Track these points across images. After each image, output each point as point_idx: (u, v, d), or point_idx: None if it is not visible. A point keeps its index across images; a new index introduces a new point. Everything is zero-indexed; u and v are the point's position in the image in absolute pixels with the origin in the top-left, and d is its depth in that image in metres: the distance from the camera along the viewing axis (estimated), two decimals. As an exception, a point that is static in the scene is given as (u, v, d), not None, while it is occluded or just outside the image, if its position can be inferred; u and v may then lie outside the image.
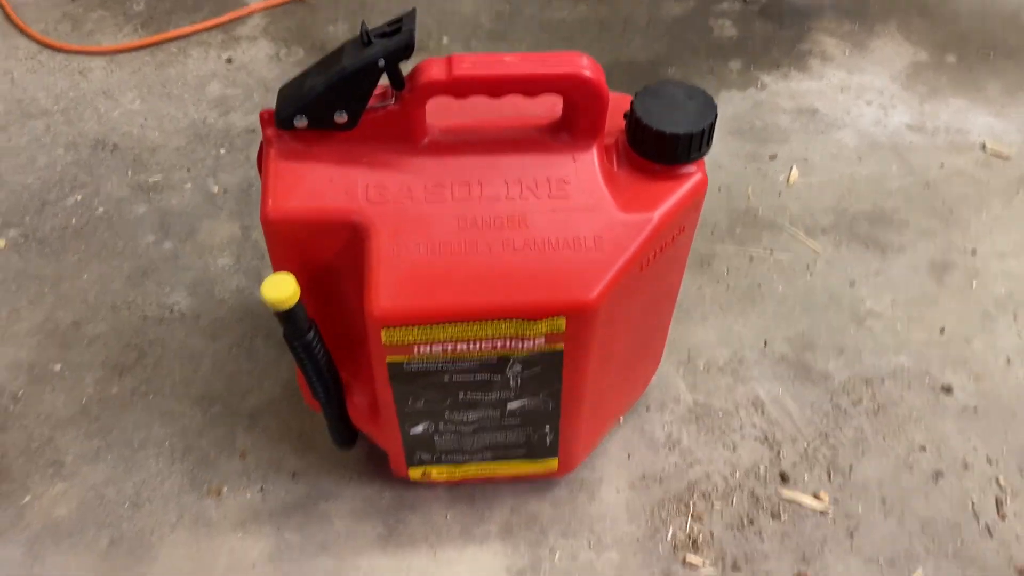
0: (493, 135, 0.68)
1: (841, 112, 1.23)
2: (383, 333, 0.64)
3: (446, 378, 0.70)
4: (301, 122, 0.64)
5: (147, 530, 0.82)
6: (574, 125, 0.66)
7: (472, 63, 0.62)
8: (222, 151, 1.16)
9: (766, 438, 0.90)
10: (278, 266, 0.69)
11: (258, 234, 1.06)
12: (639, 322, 0.76)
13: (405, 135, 0.66)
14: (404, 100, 0.64)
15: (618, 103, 0.70)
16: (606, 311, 0.65)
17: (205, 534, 0.82)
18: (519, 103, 0.65)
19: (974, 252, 1.06)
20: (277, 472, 0.86)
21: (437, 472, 0.81)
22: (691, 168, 0.69)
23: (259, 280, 0.99)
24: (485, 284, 0.63)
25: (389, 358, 0.67)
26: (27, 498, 0.84)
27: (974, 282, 1.03)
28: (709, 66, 1.31)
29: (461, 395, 0.72)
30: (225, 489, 0.85)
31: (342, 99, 0.63)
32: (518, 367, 0.69)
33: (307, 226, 0.65)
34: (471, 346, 0.66)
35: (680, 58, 1.32)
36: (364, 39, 0.60)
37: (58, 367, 0.94)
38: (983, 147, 1.19)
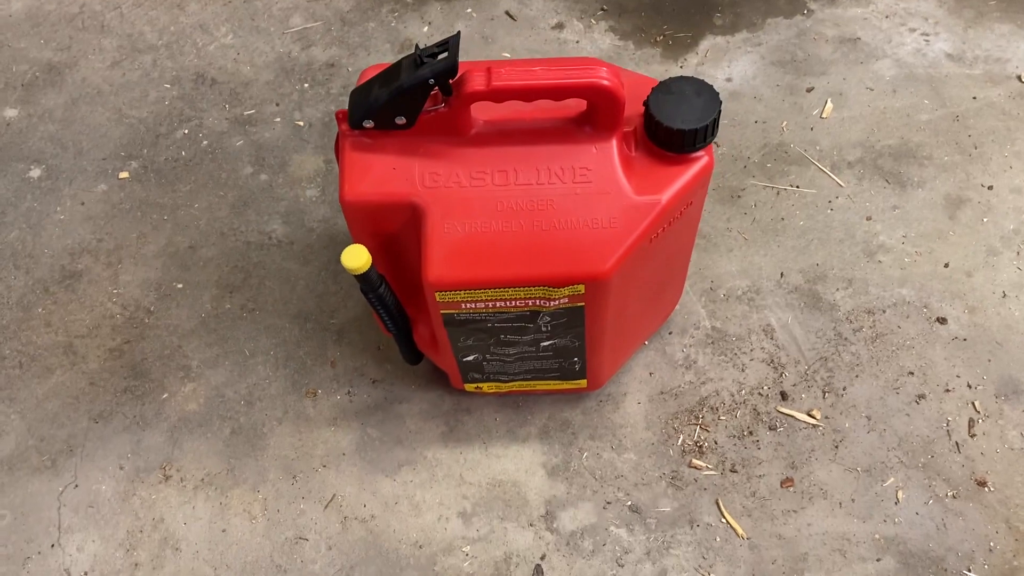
0: (528, 127, 0.80)
1: (882, 41, 1.28)
2: (436, 295, 0.80)
3: (489, 324, 0.86)
4: (368, 124, 0.78)
5: (259, 423, 1.03)
6: (595, 121, 0.78)
7: (508, 74, 0.74)
8: (305, 85, 1.30)
9: (772, 361, 1.04)
10: (355, 235, 0.85)
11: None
12: (654, 276, 0.90)
13: (454, 129, 0.79)
14: (452, 105, 0.77)
15: (641, 88, 0.81)
16: (619, 277, 0.80)
17: (305, 427, 1.03)
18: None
19: (991, 188, 1.14)
20: (360, 378, 1.06)
21: (487, 387, 0.99)
22: (699, 153, 0.80)
23: (340, 208, 1.16)
24: (517, 258, 0.78)
25: (442, 310, 0.83)
26: (164, 395, 1.06)
27: (985, 218, 1.12)
28: (759, -10, 1.36)
29: (502, 336, 0.88)
30: (319, 392, 1.05)
31: (400, 108, 0.76)
32: (547, 318, 0.85)
33: (376, 207, 0.80)
34: (507, 303, 0.82)
35: (732, -20, 1.37)
36: (418, 61, 0.73)
37: (180, 286, 1.14)
38: (1020, 78, 1.23)
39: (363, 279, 0.82)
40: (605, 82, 0.74)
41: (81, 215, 1.20)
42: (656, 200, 0.79)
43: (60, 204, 1.21)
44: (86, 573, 0.95)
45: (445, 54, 0.73)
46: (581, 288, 0.80)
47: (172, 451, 1.02)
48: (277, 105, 1.29)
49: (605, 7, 1.36)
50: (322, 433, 1.02)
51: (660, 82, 0.79)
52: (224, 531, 0.97)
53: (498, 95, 0.75)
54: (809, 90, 1.24)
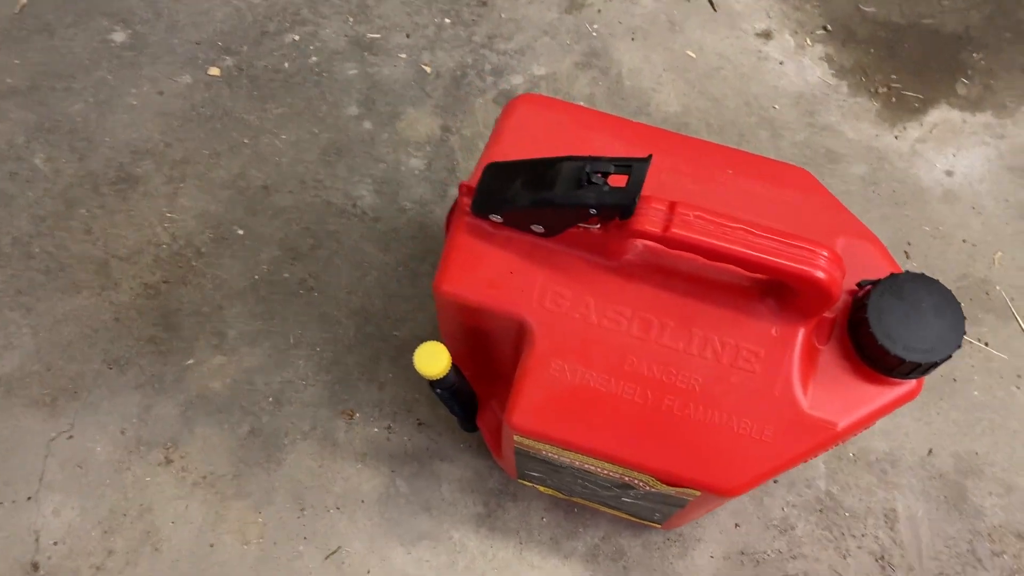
0: (697, 272, 0.60)
1: None
2: (515, 436, 0.63)
3: (568, 472, 0.69)
4: (496, 219, 0.58)
5: (282, 431, 0.90)
6: (786, 300, 0.58)
7: (696, 224, 0.54)
8: (446, 20, 1.08)
9: (883, 557, 0.86)
10: (442, 323, 0.68)
11: (455, 140, 1.02)
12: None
13: (602, 249, 0.60)
14: (610, 231, 0.57)
15: (857, 253, 0.60)
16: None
17: (330, 454, 0.89)
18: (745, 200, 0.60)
19: None
20: (406, 415, 0.90)
21: (545, 490, 0.83)
22: (910, 382, 0.60)
23: (444, 196, 0.97)
24: (627, 437, 0.60)
25: (518, 443, 0.66)
26: (191, 361, 0.92)
27: None
28: (1023, 62, 1.07)
29: (580, 481, 0.71)
30: (357, 415, 0.90)
31: (543, 220, 0.56)
32: (641, 492, 0.67)
33: (476, 309, 0.62)
34: (598, 468, 0.65)
35: (994, 41, 1.08)
36: (584, 178, 0.52)
37: (241, 232, 0.98)
38: None
39: (438, 383, 0.65)
40: (820, 275, 0.54)
41: (155, 107, 1.03)
42: (831, 424, 0.59)
43: (136, 85, 1.04)
44: (55, 543, 0.85)
45: (623, 176, 0.53)
46: (695, 493, 0.62)
47: (181, 431, 0.90)
48: (407, 37, 1.07)
49: (829, 26, 1.09)
50: (346, 468, 0.88)
51: (892, 276, 0.58)
52: (212, 546, 0.85)
53: (675, 244, 0.55)
54: (1044, 220, 0.99)
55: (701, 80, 1.06)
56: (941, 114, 1.04)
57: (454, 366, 0.66)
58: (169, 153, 1.01)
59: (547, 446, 0.63)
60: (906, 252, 0.97)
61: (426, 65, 1.06)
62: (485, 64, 1.06)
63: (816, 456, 0.60)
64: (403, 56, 1.06)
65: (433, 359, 0.63)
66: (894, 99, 1.05)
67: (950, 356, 0.56)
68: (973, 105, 1.05)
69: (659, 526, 0.82)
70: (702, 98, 1.05)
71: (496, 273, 0.61)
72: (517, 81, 1.05)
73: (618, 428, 0.60)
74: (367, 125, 1.02)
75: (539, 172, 0.55)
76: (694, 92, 1.05)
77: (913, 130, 1.03)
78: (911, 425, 0.90)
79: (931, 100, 1.05)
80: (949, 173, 1.01)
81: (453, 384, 0.67)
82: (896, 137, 1.03)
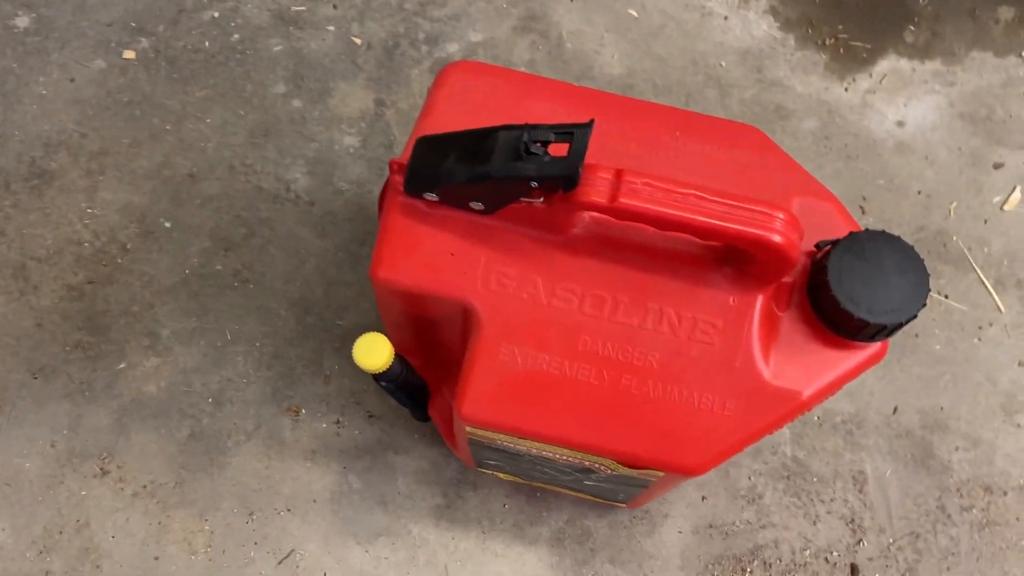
0: (650, 242, 0.56)
1: (1112, 123, 0.99)
2: (467, 427, 0.60)
3: (525, 459, 0.65)
4: (431, 197, 0.54)
5: (224, 433, 0.85)
6: (744, 267, 0.55)
7: (644, 192, 0.50)
8: (376, -11, 1.02)
9: (853, 520, 0.84)
10: (383, 312, 0.64)
11: (391, 114, 0.97)
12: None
13: (548, 224, 0.56)
14: (554, 204, 0.53)
15: (814, 213, 0.57)
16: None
17: (277, 453, 0.84)
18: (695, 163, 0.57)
19: None
20: (355, 407, 0.86)
21: (505, 476, 0.80)
22: (875, 344, 0.57)
23: (382, 174, 0.93)
24: (585, 421, 0.57)
25: (472, 437, 0.63)
26: (122, 365, 0.87)
27: None
28: (971, 6, 1.05)
29: (539, 467, 0.68)
30: (303, 412, 0.86)
31: (481, 195, 0.52)
32: (602, 476, 0.64)
33: (417, 295, 0.58)
34: (556, 455, 0.61)
35: (941, -19, 1.06)
36: (523, 148, 0.48)
37: (168, 225, 0.92)
38: None
39: (382, 376, 0.61)
40: (777, 239, 0.50)
41: (68, 95, 0.96)
42: (795, 394, 0.56)
43: (45, 73, 0.97)
44: (-13, 568, 0.80)
45: (565, 144, 0.49)
46: (658, 474, 0.59)
47: (117, 440, 0.84)
48: (335, 8, 1.01)
49: (772, -22, 1.05)
50: (295, 467, 0.84)
51: (851, 234, 0.55)
52: (157, 559, 0.81)
53: (623, 215, 0.51)
54: (997, 167, 0.97)
55: (645, 40, 1.02)
56: (890, 64, 1.02)
57: (398, 356, 0.62)
58: (85, 144, 0.94)
59: (501, 435, 0.60)
60: (861, 207, 0.94)
61: (356, 37, 1.00)
62: (419, 32, 1.01)
63: (781, 428, 0.58)
64: (331, 28, 1.00)
65: (374, 351, 0.59)
66: (842, 50, 1.02)
67: (915, 316, 0.54)
68: (922, 53, 1.02)
69: (624, 505, 0.79)
70: (647, 58, 1.01)
71: (435, 255, 0.57)
72: (453, 49, 1.00)
73: (575, 412, 0.57)
74: (296, 103, 0.97)
75: (474, 144, 0.51)
76: (638, 53, 1.01)
77: (863, 81, 1.00)
78: (875, 384, 0.88)
79: (879, 50, 1.02)
80: (901, 124, 0.98)
81: (398, 376, 0.63)
82: (846, 89, 1.00)
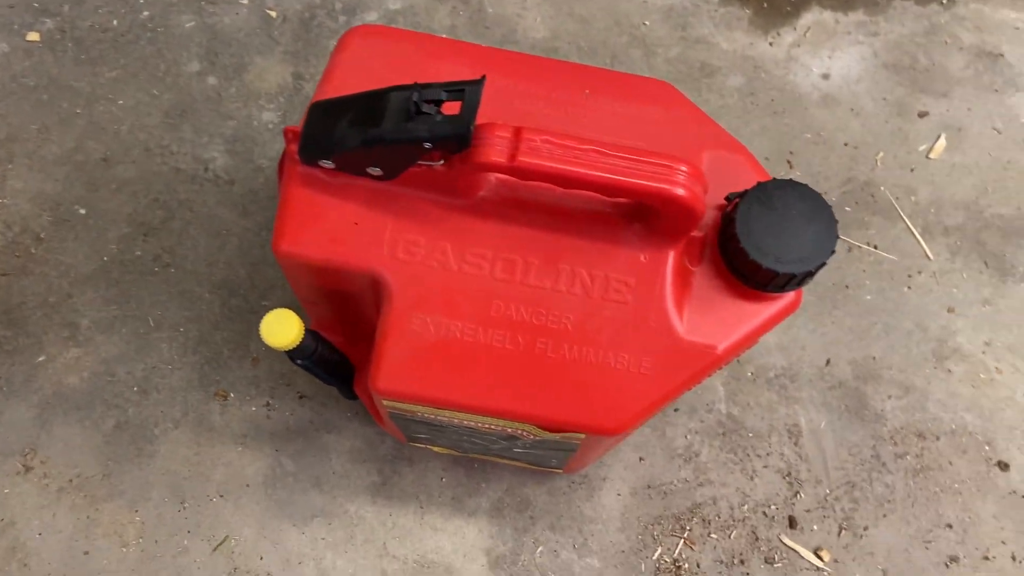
0: (558, 203, 0.55)
1: (1031, 67, 1.00)
2: (384, 401, 0.58)
3: (451, 430, 0.64)
4: (327, 164, 0.52)
5: (151, 421, 0.83)
6: (652, 223, 0.54)
7: (544, 150, 0.49)
8: (289, -41, 0.99)
9: (789, 473, 0.84)
10: (292, 285, 0.62)
11: (309, 88, 0.94)
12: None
13: (452, 189, 0.54)
14: (454, 167, 0.51)
15: (725, 156, 0.56)
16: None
17: (206, 439, 0.83)
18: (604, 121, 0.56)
19: (1108, 302, 0.91)
20: (285, 389, 0.85)
21: (439, 449, 0.79)
22: (788, 294, 0.56)
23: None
24: (501, 386, 0.56)
25: (391, 411, 0.61)
26: (41, 358, 0.84)
27: (1091, 342, 0.90)
28: (893, -45, 1.05)
29: (466, 438, 0.67)
30: (232, 396, 0.84)
31: (377, 160, 0.51)
32: (528, 442, 0.63)
33: (323, 268, 0.56)
34: (478, 424, 0.60)
35: (862, -69, 1.06)
36: (413, 108, 0.47)
37: (83, 211, 0.89)
38: None
39: (295, 353, 0.60)
40: (680, 192, 0.49)
41: (-30, 82, 0.93)
42: (710, 348, 0.56)
43: (-55, 59, 0.93)
44: (-92, 574, 0.77)
45: (458, 103, 0.47)
46: (580, 437, 0.59)
47: (39, 435, 0.82)
48: (247, -20, 0.98)
49: (693, -66, 1.04)
50: (226, 452, 0.82)
51: (759, 185, 0.54)
52: (87, 554, 0.79)
53: (523, 174, 0.50)
54: (922, 115, 0.97)
55: (568, 2, 1.00)
56: (813, 16, 1.01)
57: (311, 332, 0.61)
58: (-9, 132, 0.91)
59: (420, 407, 0.59)
60: (789, 162, 0.94)
61: (271, 9, 0.97)
62: (335, 3, 0.98)
63: (699, 382, 0.57)
64: (245, 2, 0.97)
65: (282, 328, 0.57)
66: (765, 4, 1.01)
67: (824, 264, 0.53)
68: (844, 4, 1.02)
69: (561, 471, 0.79)
70: (570, 20, 1.00)
71: (339, 226, 0.55)
72: (372, 18, 0.98)
73: (491, 379, 0.56)
74: (212, 81, 0.94)
75: (366, 107, 0.49)
76: (561, 15, 1.00)
77: (787, 35, 1.00)
78: (807, 337, 0.89)
79: (802, 3, 1.02)
80: (826, 76, 0.98)
81: (312, 352, 0.61)
82: (771, 44, 0.99)
